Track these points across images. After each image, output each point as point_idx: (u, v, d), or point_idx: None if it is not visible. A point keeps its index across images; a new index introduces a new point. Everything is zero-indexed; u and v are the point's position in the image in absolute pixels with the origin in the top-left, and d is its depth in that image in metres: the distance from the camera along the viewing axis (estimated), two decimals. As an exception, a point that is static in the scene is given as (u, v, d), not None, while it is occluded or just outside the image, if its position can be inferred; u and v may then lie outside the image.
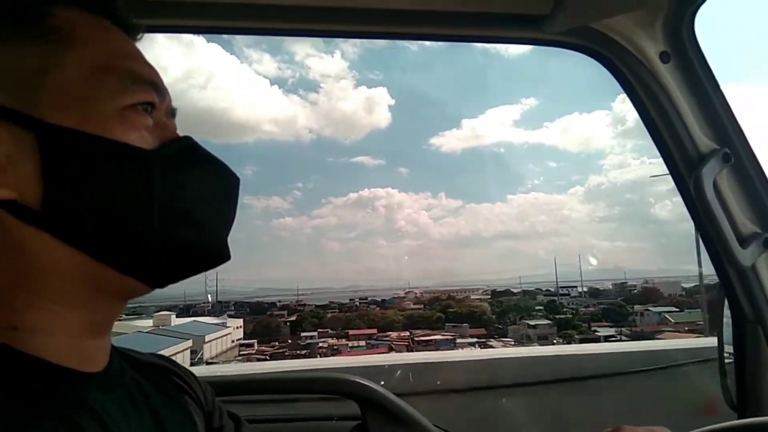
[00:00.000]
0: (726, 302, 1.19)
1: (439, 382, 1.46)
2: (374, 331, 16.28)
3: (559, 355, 2.22)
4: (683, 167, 1.16)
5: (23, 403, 0.45)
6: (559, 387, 1.86)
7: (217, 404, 0.83)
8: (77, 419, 0.47)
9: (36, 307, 0.52)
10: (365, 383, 1.17)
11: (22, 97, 0.51)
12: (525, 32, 1.16)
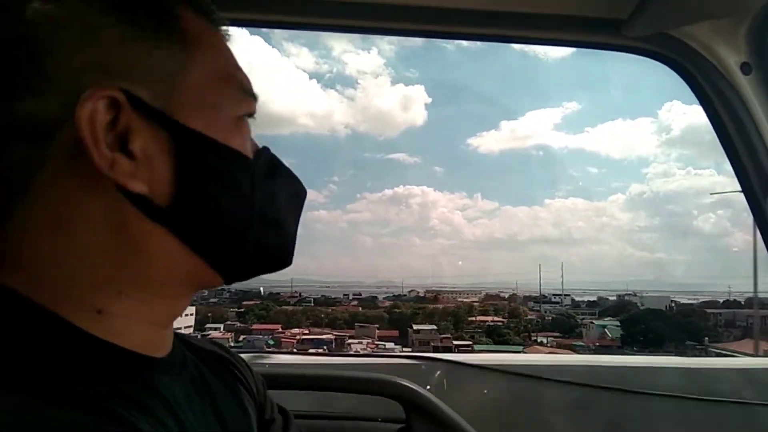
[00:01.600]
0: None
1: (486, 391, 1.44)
2: (278, 326, 16.46)
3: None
4: (759, 186, 1.10)
5: (96, 386, 0.46)
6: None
7: (269, 397, 0.83)
8: (146, 401, 0.48)
9: (129, 295, 0.53)
10: (412, 387, 1.16)
11: (160, 96, 0.52)
12: (601, 37, 1.12)
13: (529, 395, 1.49)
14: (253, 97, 0.62)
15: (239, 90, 0.59)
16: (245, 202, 0.57)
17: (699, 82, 1.11)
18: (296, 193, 0.67)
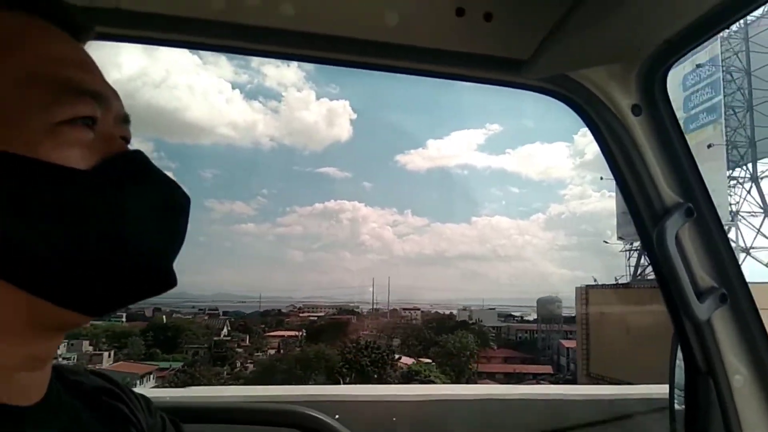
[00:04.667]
0: (679, 352, 1.22)
1: (395, 419, 1.44)
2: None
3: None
4: (648, 218, 1.18)
5: None
6: None
7: (169, 429, 0.80)
8: None
9: None
10: (320, 417, 1.14)
11: None
12: (504, 75, 1.17)
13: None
14: (92, 96, 0.54)
15: (60, 90, 0.51)
16: (69, 222, 0.49)
17: (594, 120, 1.19)
18: (170, 202, 0.58)
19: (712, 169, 27.40)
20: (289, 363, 28.53)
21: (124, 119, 0.60)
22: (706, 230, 1.16)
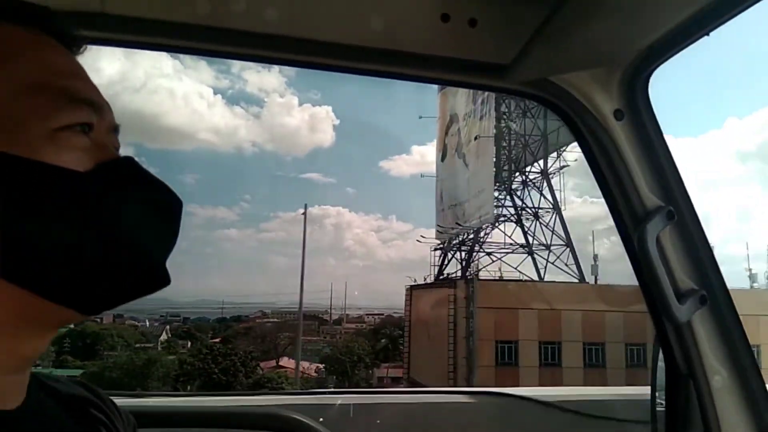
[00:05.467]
0: (660, 354, 1.24)
1: (378, 421, 1.45)
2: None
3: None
4: (629, 222, 1.20)
5: None
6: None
7: None
8: None
9: None
10: (302, 419, 1.15)
11: None
12: (489, 80, 1.18)
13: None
14: (88, 104, 0.57)
15: (59, 98, 0.54)
16: (70, 221, 0.52)
17: (577, 124, 1.20)
18: (162, 204, 0.61)
19: (480, 164, 26.33)
20: (123, 370, 27.30)
21: (115, 129, 0.63)
22: (687, 233, 1.18)
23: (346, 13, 1.08)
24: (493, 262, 27.60)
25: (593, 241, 27.44)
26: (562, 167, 28.33)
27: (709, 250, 1.19)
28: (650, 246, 1.14)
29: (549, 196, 29.31)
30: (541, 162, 29.38)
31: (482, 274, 26.53)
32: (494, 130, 26.76)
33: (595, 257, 26.92)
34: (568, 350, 22.62)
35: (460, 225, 27.34)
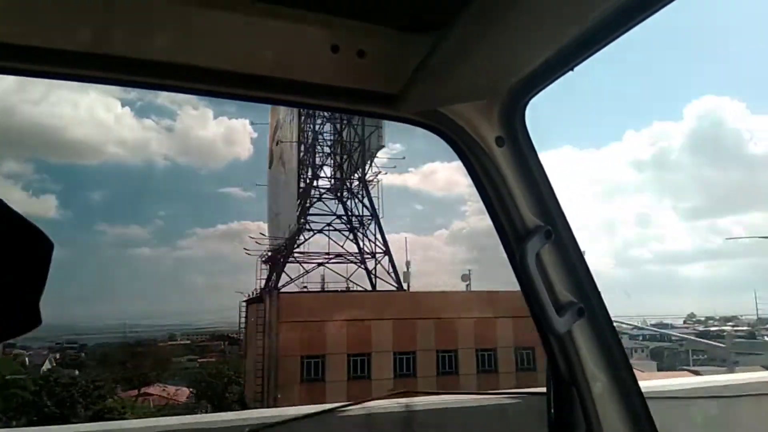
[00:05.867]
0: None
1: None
2: None
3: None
4: (513, 241, 1.28)
5: None
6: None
7: None
8: None
9: None
10: None
11: None
12: (380, 108, 1.25)
13: None
14: None
15: None
16: None
17: (464, 151, 1.29)
18: (32, 247, 0.60)
19: (288, 171, 25.42)
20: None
21: None
22: (564, 250, 1.28)
23: (238, 41, 1.12)
24: (307, 272, 25.87)
25: (406, 248, 26.66)
26: (376, 174, 27.11)
27: (584, 265, 1.30)
28: (530, 263, 1.23)
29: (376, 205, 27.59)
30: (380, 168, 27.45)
31: (310, 287, 25.23)
32: (296, 136, 25.77)
33: (408, 264, 26.17)
34: (379, 361, 21.70)
35: (274, 237, 26.05)
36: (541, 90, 1.23)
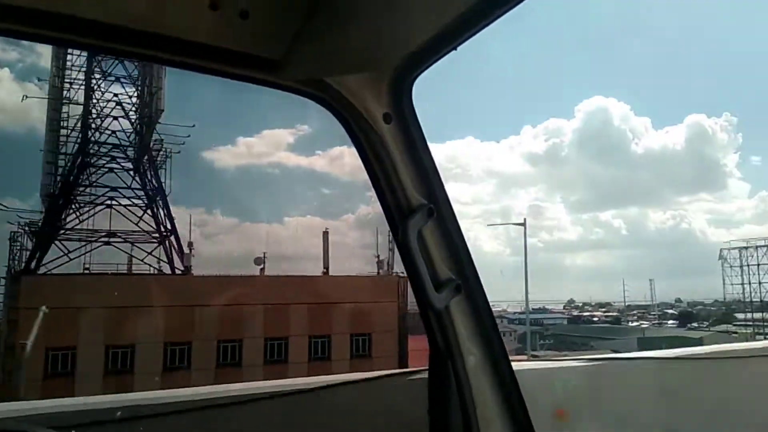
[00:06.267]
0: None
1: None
2: None
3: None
4: (397, 218, 1.29)
5: None
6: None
7: None
8: None
9: None
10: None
11: None
12: (262, 74, 1.19)
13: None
14: None
15: None
16: None
17: (351, 125, 1.26)
18: None
19: None
20: None
21: None
22: (445, 228, 1.31)
23: None
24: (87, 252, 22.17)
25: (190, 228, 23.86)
26: (162, 149, 23.88)
27: (464, 243, 1.33)
28: (411, 240, 1.24)
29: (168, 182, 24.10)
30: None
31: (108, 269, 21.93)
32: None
33: (190, 245, 23.54)
34: (146, 354, 18.81)
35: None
36: (427, 67, 1.23)
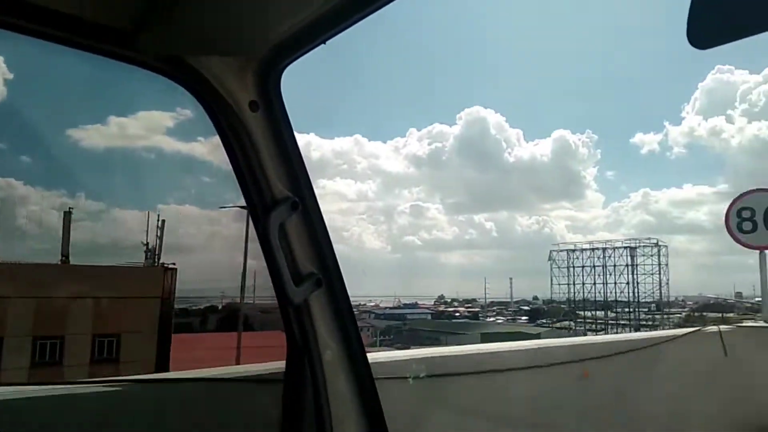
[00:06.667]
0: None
1: None
2: None
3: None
4: (260, 210, 1.25)
5: None
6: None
7: None
8: None
9: None
10: None
11: None
12: (110, 45, 1.08)
13: None
14: None
15: None
16: None
17: (214, 111, 1.20)
18: None
19: None
20: None
21: None
22: (309, 222, 1.29)
23: None
24: None
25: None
26: None
27: (327, 237, 1.33)
28: (272, 233, 1.21)
29: None
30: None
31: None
32: None
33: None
34: None
35: None
36: (296, 58, 1.21)
